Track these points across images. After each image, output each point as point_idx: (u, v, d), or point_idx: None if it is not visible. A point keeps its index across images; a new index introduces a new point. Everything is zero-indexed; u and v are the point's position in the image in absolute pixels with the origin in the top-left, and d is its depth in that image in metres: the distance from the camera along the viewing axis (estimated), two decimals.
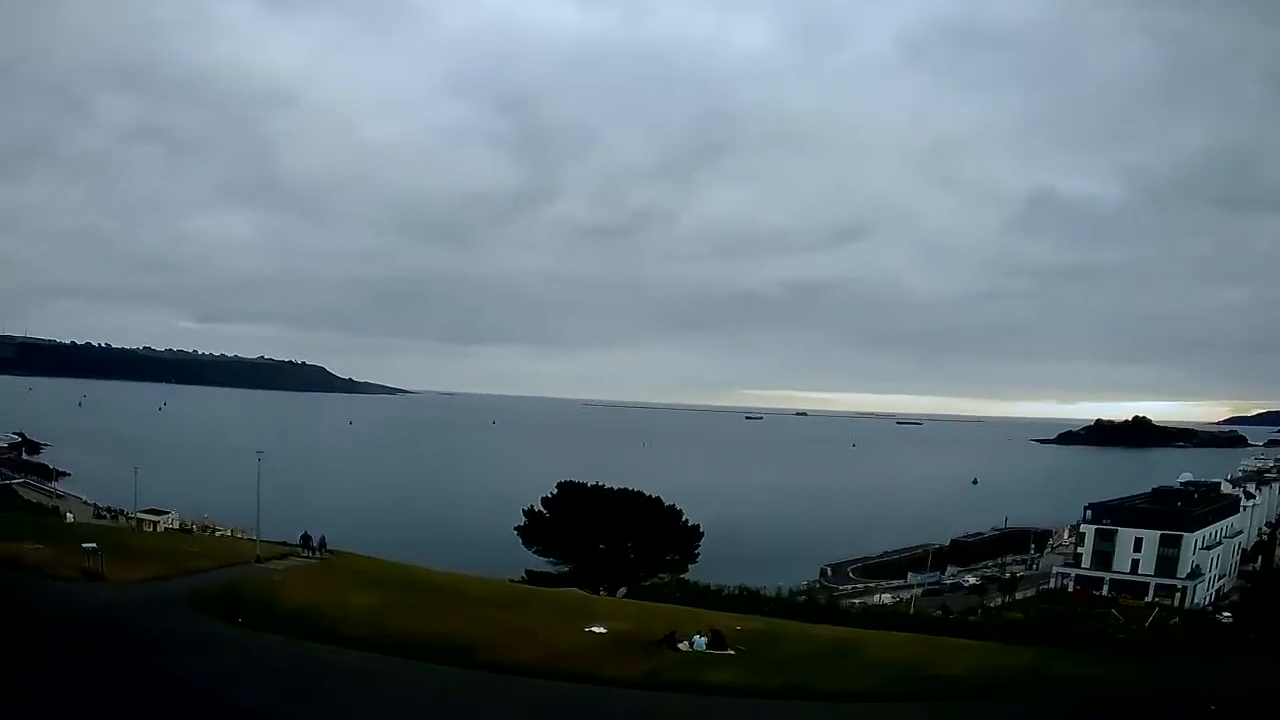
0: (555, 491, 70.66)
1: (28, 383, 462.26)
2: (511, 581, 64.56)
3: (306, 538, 52.20)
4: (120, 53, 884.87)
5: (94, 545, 40.30)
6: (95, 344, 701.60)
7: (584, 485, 70.90)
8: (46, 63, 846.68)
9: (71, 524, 59.50)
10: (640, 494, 70.00)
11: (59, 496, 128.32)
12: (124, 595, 36.57)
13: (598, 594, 64.60)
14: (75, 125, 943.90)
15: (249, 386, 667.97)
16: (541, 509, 70.05)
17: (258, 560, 47.24)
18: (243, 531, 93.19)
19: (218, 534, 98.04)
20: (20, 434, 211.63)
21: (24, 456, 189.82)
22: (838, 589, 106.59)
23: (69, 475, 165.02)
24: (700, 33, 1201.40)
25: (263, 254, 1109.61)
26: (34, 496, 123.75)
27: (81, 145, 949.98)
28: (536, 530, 68.69)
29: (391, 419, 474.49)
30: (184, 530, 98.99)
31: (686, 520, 70.93)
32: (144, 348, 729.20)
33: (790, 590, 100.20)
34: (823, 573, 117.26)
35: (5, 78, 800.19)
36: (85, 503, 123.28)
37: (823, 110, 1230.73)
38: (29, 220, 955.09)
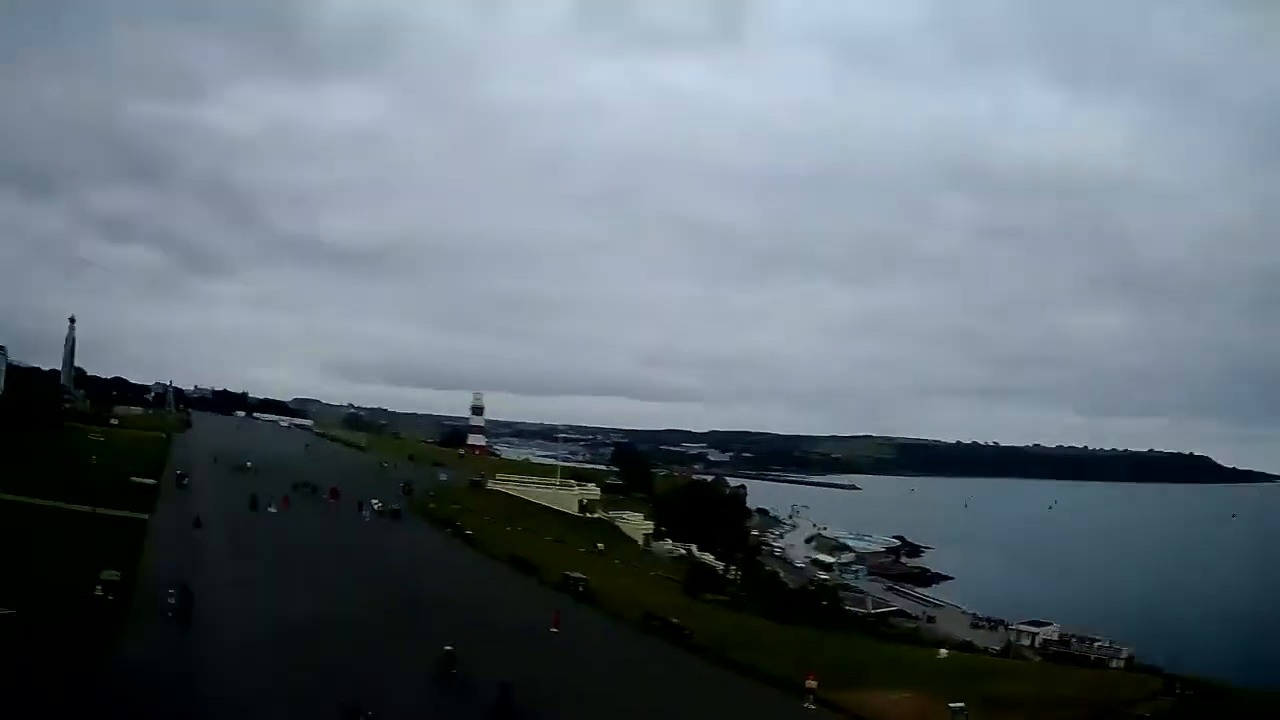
0: None
1: (910, 483, 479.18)
2: None
3: (1170, 680, 38.72)
4: (955, 156, 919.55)
5: (962, 705, 36.15)
6: (981, 442, 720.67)
7: None
8: (889, 168, 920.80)
9: (944, 658, 54.36)
10: None
11: (936, 605, 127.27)
12: None
13: None
14: (923, 227, 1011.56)
15: (1133, 480, 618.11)
16: None
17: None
18: (1118, 649, 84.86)
19: (1096, 644, 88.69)
20: (900, 537, 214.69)
21: (901, 560, 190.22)
22: None
23: (950, 580, 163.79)
24: None
25: (1139, 345, 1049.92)
26: (907, 605, 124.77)
27: (933, 246, 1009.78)
28: None
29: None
30: (1061, 644, 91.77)
31: None
32: (1033, 445, 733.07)
33: None
34: None
35: (840, 181, 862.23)
36: (963, 612, 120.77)
37: None
38: (896, 322, 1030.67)
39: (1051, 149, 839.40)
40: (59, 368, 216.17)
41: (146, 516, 67.54)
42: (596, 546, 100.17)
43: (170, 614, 40.60)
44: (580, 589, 60.36)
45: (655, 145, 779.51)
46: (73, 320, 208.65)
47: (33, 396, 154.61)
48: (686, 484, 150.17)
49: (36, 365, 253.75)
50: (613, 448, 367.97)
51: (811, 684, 38.85)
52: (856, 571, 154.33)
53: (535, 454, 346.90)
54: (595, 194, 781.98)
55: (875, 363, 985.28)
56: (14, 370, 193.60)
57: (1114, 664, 75.33)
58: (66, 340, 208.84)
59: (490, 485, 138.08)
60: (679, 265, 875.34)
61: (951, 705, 35.91)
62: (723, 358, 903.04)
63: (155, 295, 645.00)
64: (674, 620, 52.08)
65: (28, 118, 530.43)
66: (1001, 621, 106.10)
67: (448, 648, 36.17)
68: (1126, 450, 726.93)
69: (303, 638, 40.36)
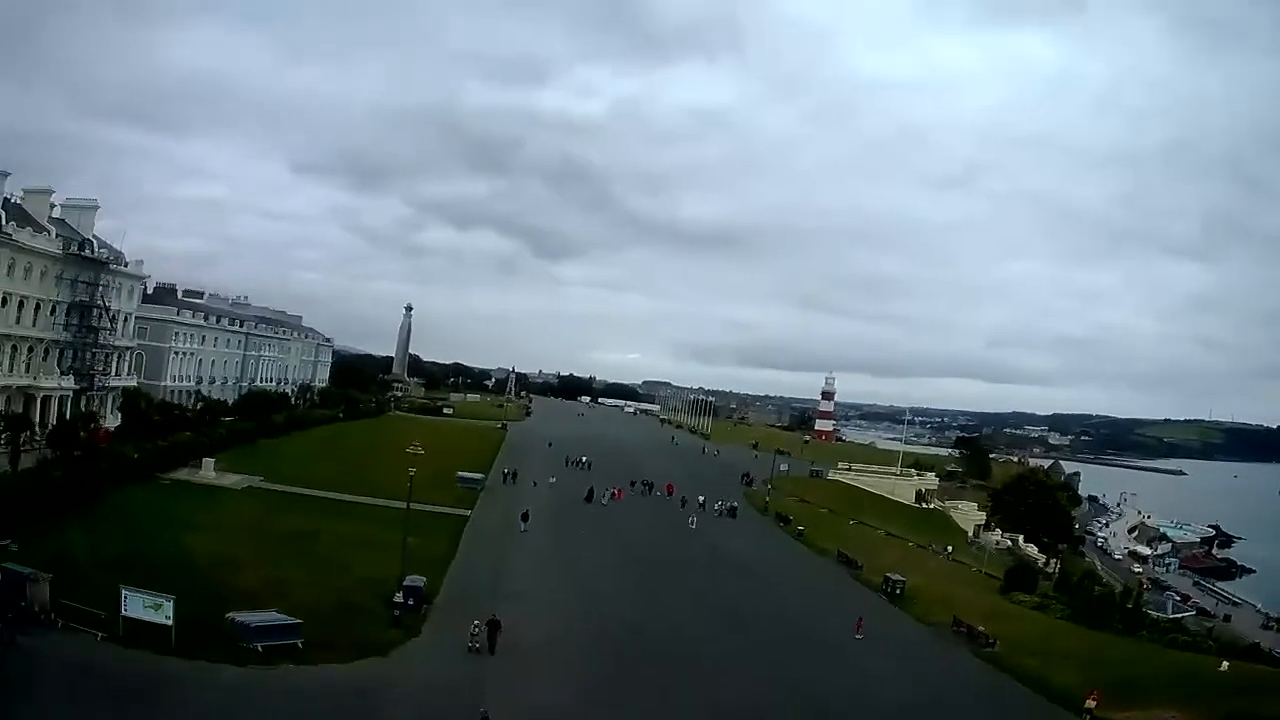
0: None
1: (1233, 469, 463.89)
2: None
3: None
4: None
5: None
6: None
7: None
8: (1216, 141, 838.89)
9: (1223, 671, 51.34)
10: None
11: (1234, 604, 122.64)
12: None
13: None
14: (1262, 202, 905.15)
15: None
16: None
17: None
18: None
19: None
20: (1215, 526, 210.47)
21: (1212, 552, 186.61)
22: None
23: (1253, 572, 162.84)
24: None
25: None
26: (1207, 602, 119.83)
27: (1265, 224, 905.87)
28: None
29: None
30: None
31: None
32: None
33: None
34: None
35: (1186, 157, 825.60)
36: (1257, 610, 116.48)
37: None
38: (1231, 302, 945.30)
39: None
40: (393, 354, 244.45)
41: (468, 513, 73.24)
42: (924, 543, 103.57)
43: (472, 645, 39.92)
44: (897, 591, 65.50)
45: (1005, 121, 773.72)
46: (409, 308, 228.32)
47: (357, 387, 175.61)
48: (1018, 475, 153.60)
49: (369, 352, 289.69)
50: (958, 430, 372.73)
51: (1091, 704, 40.67)
52: (1169, 565, 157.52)
53: (881, 437, 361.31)
54: (946, 172, 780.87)
55: (1210, 343, 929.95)
56: (343, 359, 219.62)
57: None
58: (401, 328, 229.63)
59: (830, 475, 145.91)
60: (1029, 244, 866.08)
61: None
62: (1069, 338, 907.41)
63: (499, 280, 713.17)
64: (979, 627, 55.18)
65: (366, 112, 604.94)
66: None
67: None
68: None
69: (611, 671, 40.54)
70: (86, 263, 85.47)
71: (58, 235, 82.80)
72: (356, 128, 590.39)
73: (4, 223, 73.96)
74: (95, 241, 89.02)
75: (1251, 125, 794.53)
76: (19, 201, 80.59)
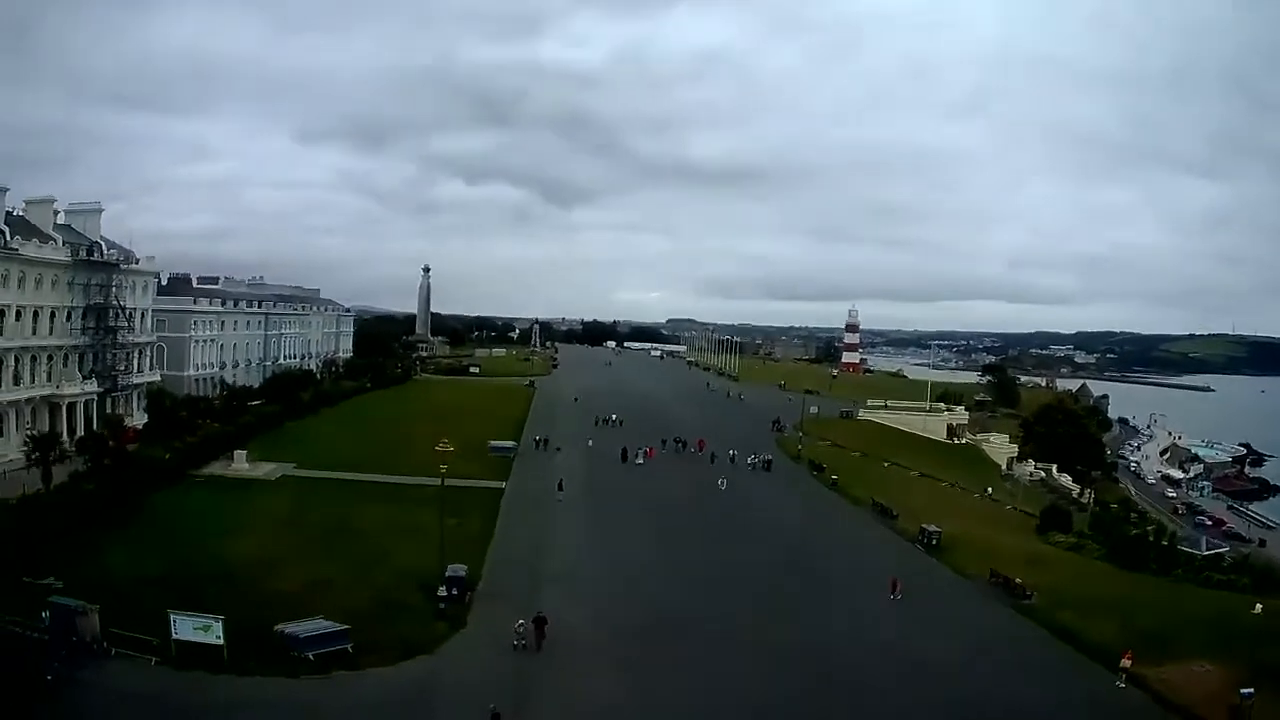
0: None
1: (1259, 384, 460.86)
2: None
3: None
4: None
5: (1251, 690, 36.08)
6: None
7: None
8: (1218, 58, 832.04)
9: (1257, 614, 50.50)
10: None
11: (1268, 527, 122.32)
12: None
13: None
14: (1263, 121, 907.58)
15: None
16: None
17: None
18: None
19: None
20: (1246, 444, 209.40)
21: (1245, 472, 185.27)
22: None
23: None
24: None
25: None
26: (1241, 526, 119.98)
27: (1275, 140, 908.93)
28: None
29: None
30: None
31: None
32: None
33: None
34: None
35: (1190, 74, 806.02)
36: None
37: None
38: (1247, 217, 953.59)
39: None
40: (414, 311, 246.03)
41: (503, 485, 73.67)
42: (958, 480, 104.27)
43: (518, 643, 39.73)
44: (933, 542, 65.41)
45: (1008, 46, 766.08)
46: (426, 269, 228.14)
47: (381, 353, 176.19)
48: (1047, 404, 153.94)
49: (390, 311, 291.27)
50: (984, 352, 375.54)
51: (1126, 663, 40.72)
52: (1202, 488, 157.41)
53: (908, 363, 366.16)
54: (955, 99, 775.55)
55: (1229, 258, 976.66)
56: (365, 325, 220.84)
57: None
58: (421, 288, 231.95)
59: (861, 414, 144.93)
60: (1043, 166, 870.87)
61: (1242, 690, 36.47)
62: (1089, 256, 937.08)
63: (515, 230, 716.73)
64: (1016, 579, 54.90)
65: (367, 75, 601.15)
66: None
67: None
68: None
69: (655, 663, 39.95)
70: (96, 266, 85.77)
71: (65, 242, 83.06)
72: (358, 91, 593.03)
73: (9, 237, 74.11)
74: (104, 243, 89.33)
75: (1254, 42, 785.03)
76: (21, 214, 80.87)
